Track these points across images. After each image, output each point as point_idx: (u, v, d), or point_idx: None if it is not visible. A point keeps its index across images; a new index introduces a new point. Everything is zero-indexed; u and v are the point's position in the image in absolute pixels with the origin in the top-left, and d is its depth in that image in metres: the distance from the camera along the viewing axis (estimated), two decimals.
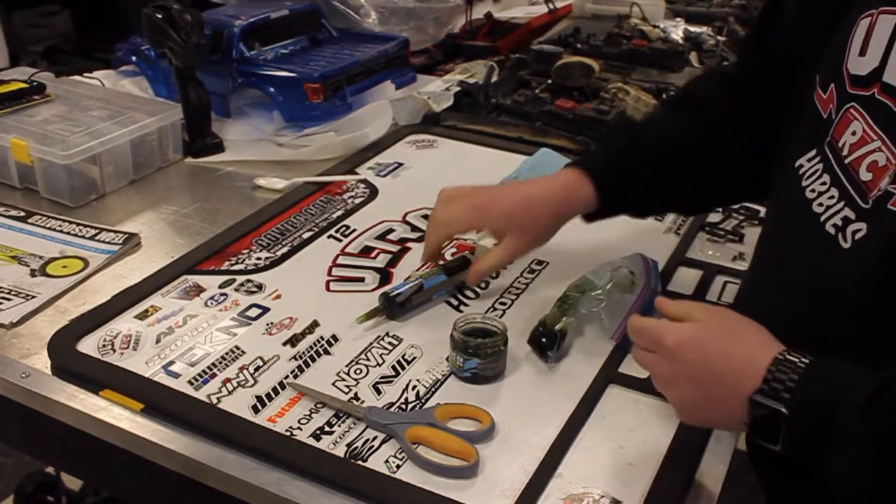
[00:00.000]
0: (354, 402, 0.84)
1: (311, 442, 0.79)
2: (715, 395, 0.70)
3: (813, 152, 0.77)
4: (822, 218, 0.73)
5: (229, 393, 0.85)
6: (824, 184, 0.74)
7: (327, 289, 1.03)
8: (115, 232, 1.14)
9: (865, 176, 0.69)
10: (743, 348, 0.70)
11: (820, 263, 0.73)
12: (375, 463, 0.77)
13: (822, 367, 0.66)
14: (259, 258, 1.08)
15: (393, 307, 0.96)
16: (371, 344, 0.92)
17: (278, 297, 1.01)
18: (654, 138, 1.00)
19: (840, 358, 0.66)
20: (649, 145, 0.99)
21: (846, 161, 0.72)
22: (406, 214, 1.20)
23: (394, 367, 0.89)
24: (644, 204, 1.03)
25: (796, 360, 0.66)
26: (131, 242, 1.12)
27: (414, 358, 0.91)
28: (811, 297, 0.74)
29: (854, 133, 0.71)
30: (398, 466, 0.76)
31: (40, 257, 1.08)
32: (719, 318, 0.74)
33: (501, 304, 1.01)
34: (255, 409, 0.83)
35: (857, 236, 0.69)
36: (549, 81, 1.66)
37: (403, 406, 0.84)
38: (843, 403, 0.62)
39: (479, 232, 1.06)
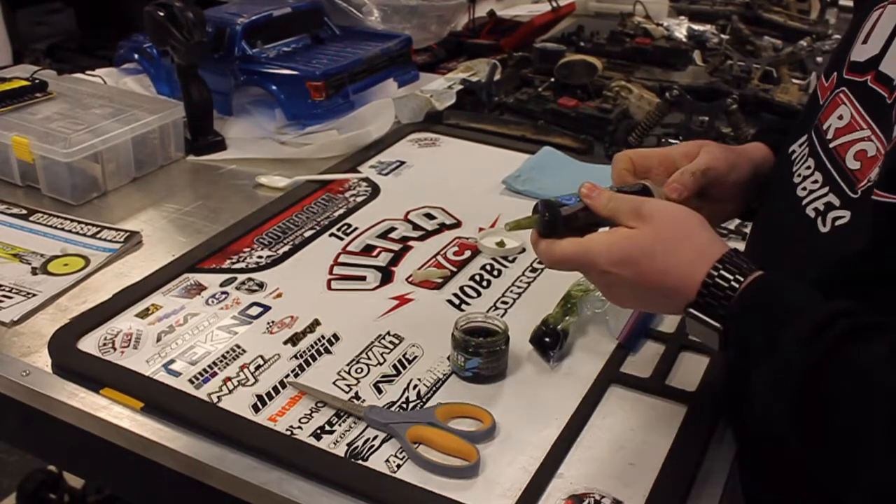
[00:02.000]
0: (355, 401, 0.84)
1: (312, 441, 0.79)
2: (654, 303, 0.75)
3: (804, 137, 0.77)
4: (804, 202, 0.72)
5: (230, 392, 0.85)
6: (809, 167, 0.74)
7: (329, 287, 1.03)
8: (117, 230, 1.14)
9: (853, 164, 0.68)
10: (679, 261, 0.70)
11: (797, 246, 0.72)
12: (376, 462, 0.76)
13: (757, 291, 0.67)
14: (260, 256, 1.08)
15: (554, 223, 0.76)
16: (372, 343, 0.92)
17: (279, 295, 1.00)
18: None
19: None
20: None
21: (830, 145, 0.71)
22: (408, 213, 1.20)
23: (395, 366, 0.89)
24: None
25: (731, 277, 0.67)
26: (132, 241, 1.12)
27: (415, 357, 0.90)
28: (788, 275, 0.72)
29: (841, 117, 0.71)
30: (398, 466, 0.76)
31: (41, 255, 1.08)
32: (653, 227, 0.72)
33: (503, 303, 1.00)
34: (256, 408, 0.83)
35: (838, 223, 0.68)
36: (552, 80, 1.65)
37: (404, 405, 0.84)
38: (783, 330, 0.63)
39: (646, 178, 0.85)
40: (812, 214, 0.71)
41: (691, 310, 0.69)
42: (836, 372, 0.60)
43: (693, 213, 0.74)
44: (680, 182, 0.80)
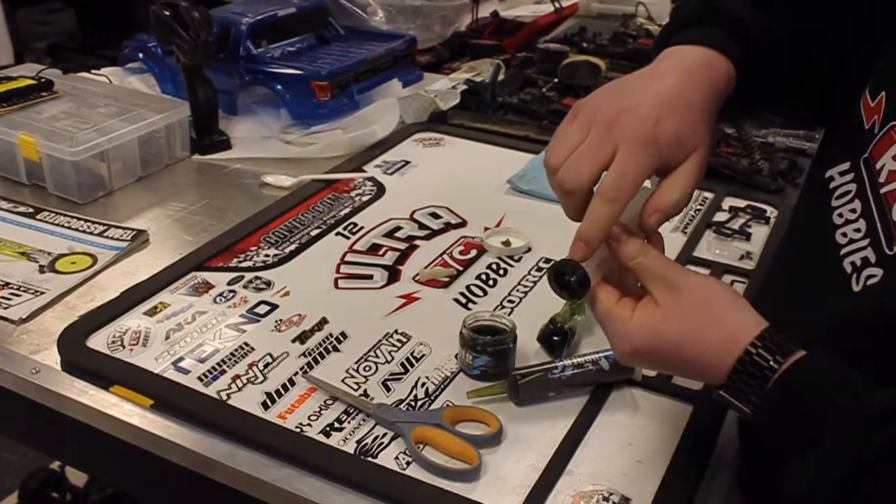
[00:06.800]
0: (364, 398, 0.84)
1: (322, 438, 0.79)
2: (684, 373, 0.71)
3: (846, 165, 0.69)
4: (843, 251, 0.65)
5: (239, 389, 0.85)
6: (854, 211, 0.66)
7: (336, 286, 1.03)
8: (123, 228, 1.14)
9: None
10: (704, 350, 0.64)
11: (826, 301, 0.66)
12: (385, 459, 0.77)
13: (799, 373, 0.60)
14: (267, 255, 1.08)
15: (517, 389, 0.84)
16: (380, 341, 0.93)
17: (287, 294, 1.01)
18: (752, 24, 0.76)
19: None
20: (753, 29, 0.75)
21: (882, 190, 0.63)
22: (413, 212, 1.21)
23: (403, 364, 0.89)
24: (766, 89, 0.78)
25: (764, 364, 0.61)
26: (139, 239, 1.12)
27: (423, 355, 0.91)
28: (811, 332, 0.64)
29: (895, 158, 0.63)
30: (408, 463, 0.76)
31: (49, 253, 1.08)
32: (679, 309, 0.65)
33: (509, 301, 1.01)
34: (265, 406, 0.83)
35: (870, 282, 0.61)
36: (556, 80, 1.66)
37: (413, 403, 0.84)
38: (831, 418, 0.57)
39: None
40: (848, 269, 0.64)
41: (721, 392, 0.64)
42: (887, 478, 0.54)
43: (723, 288, 0.67)
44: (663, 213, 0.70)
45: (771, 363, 0.61)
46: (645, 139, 0.66)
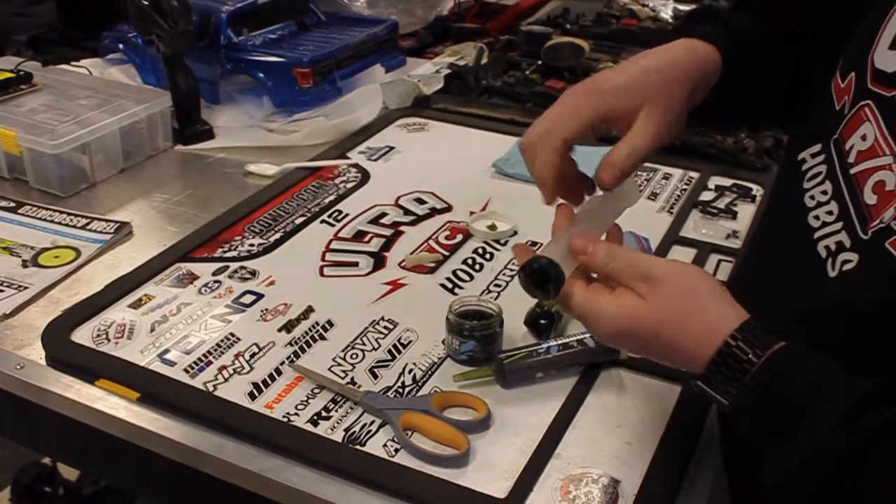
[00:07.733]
0: (351, 386, 0.84)
1: (309, 427, 0.79)
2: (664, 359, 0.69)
3: (818, 147, 0.69)
4: (816, 235, 0.65)
5: (225, 380, 0.85)
6: (825, 193, 0.66)
7: (321, 274, 1.03)
8: (107, 221, 1.14)
9: (870, 198, 0.60)
10: (686, 340, 0.63)
11: (801, 286, 0.65)
12: (374, 447, 0.77)
13: (777, 364, 0.59)
14: (252, 245, 1.08)
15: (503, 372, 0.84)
16: (366, 328, 0.92)
17: (272, 283, 1.00)
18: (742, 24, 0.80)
19: None
20: (741, 28, 0.79)
21: (851, 171, 0.63)
22: (398, 198, 1.20)
23: (390, 350, 0.89)
24: (759, 91, 0.81)
25: (744, 357, 0.60)
26: (123, 231, 1.11)
27: (410, 342, 0.91)
28: (787, 317, 0.64)
29: (864, 138, 0.62)
30: (396, 450, 0.76)
31: (32, 248, 1.08)
32: (661, 299, 0.64)
33: (496, 286, 1.01)
34: (252, 396, 0.83)
35: (846, 267, 0.61)
36: (540, 62, 1.66)
37: (400, 390, 0.84)
38: (810, 412, 0.57)
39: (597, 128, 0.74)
40: (823, 253, 0.64)
41: (699, 383, 0.63)
42: (868, 468, 0.54)
43: (706, 279, 0.66)
44: (616, 167, 0.70)
45: (750, 356, 0.60)
46: (587, 88, 0.72)
